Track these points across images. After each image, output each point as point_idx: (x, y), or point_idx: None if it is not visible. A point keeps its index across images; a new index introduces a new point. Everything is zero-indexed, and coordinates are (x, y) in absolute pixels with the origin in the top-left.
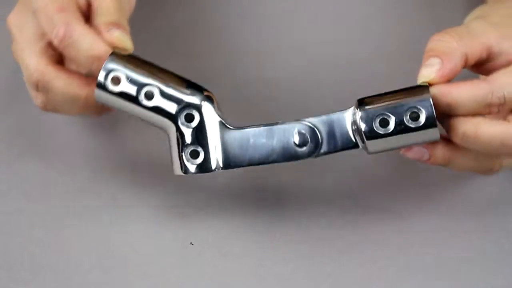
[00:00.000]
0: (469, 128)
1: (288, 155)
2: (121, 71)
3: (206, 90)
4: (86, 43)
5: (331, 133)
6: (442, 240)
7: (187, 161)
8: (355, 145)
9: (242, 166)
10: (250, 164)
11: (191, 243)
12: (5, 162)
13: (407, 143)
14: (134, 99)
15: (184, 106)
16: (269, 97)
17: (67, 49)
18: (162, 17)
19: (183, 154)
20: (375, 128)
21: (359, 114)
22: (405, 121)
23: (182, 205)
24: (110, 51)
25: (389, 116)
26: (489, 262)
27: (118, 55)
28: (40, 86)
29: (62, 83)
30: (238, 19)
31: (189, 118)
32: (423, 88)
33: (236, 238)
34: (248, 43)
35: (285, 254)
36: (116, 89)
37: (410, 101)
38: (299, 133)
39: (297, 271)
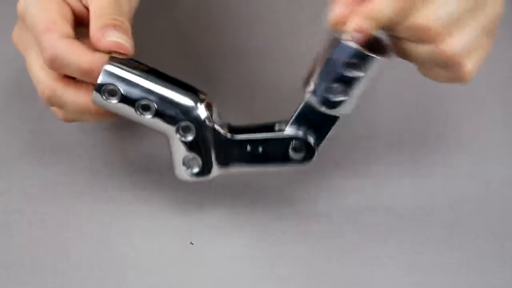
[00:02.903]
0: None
1: (283, 163)
2: (117, 82)
3: (204, 96)
4: (73, 60)
5: (311, 126)
6: (442, 239)
7: (186, 168)
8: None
9: (240, 171)
10: (248, 168)
11: (191, 242)
12: (5, 162)
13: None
14: (131, 110)
15: (181, 118)
16: (269, 96)
17: (60, 70)
18: (162, 16)
19: (181, 161)
20: (332, 100)
21: (311, 98)
22: (348, 76)
23: (182, 204)
24: (100, 61)
25: (336, 85)
26: (489, 261)
27: (114, 63)
28: (53, 102)
29: (72, 97)
30: (238, 19)
31: (186, 130)
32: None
33: (236, 238)
34: (248, 42)
35: (285, 254)
36: (113, 100)
37: (337, 59)
38: (295, 143)
39: (297, 271)
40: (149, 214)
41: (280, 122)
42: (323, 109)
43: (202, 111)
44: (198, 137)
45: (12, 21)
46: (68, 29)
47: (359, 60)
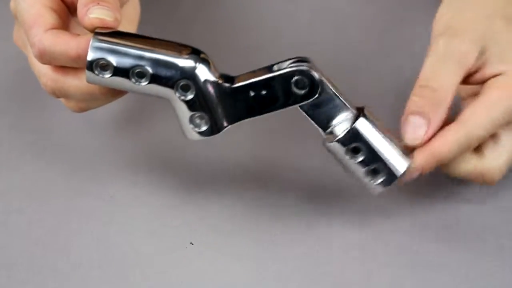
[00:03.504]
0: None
1: (288, 101)
2: (106, 55)
3: (198, 52)
4: (59, 50)
5: (318, 106)
6: (442, 239)
7: (194, 127)
8: (324, 130)
9: (248, 118)
10: (255, 115)
11: (191, 242)
12: (5, 161)
13: (357, 175)
14: (127, 81)
15: (178, 78)
16: None
17: (51, 63)
18: (161, 15)
19: (188, 122)
20: (346, 147)
21: (350, 127)
22: (370, 167)
23: (182, 204)
24: (86, 43)
25: (363, 154)
26: (489, 262)
27: (100, 37)
28: (57, 93)
29: (74, 83)
30: (238, 19)
31: (185, 89)
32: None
33: (236, 238)
34: (248, 42)
35: (285, 254)
36: (107, 75)
37: (389, 159)
38: (298, 77)
39: (297, 271)
40: (149, 214)
41: (278, 63)
42: (334, 135)
43: (198, 64)
44: (199, 94)
45: (12, 21)
46: (53, 19)
47: (387, 177)
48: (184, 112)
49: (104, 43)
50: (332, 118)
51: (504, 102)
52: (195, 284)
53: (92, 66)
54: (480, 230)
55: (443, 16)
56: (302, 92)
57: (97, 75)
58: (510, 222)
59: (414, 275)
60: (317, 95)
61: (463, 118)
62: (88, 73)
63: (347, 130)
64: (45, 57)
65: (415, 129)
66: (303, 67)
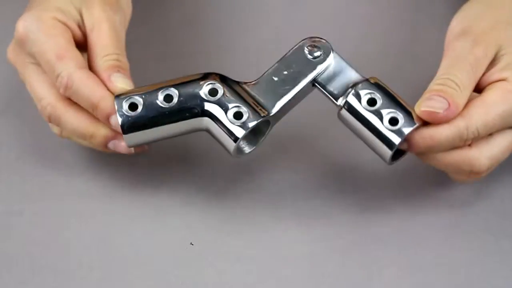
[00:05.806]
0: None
1: (309, 70)
2: (132, 98)
3: (212, 74)
4: (86, 92)
5: (330, 78)
6: (442, 240)
7: (234, 124)
8: (336, 100)
9: (282, 103)
10: (287, 97)
11: (191, 243)
12: (5, 162)
13: (367, 135)
14: (158, 111)
15: (203, 83)
16: None
17: (70, 96)
18: (159, 16)
19: (229, 122)
20: (362, 99)
21: (365, 79)
22: (389, 114)
23: (182, 205)
24: (108, 98)
25: (380, 100)
26: (489, 262)
27: (121, 94)
28: (52, 119)
29: (71, 119)
30: (237, 19)
31: (214, 92)
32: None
33: (236, 238)
34: (247, 43)
35: (285, 254)
36: (135, 113)
37: (404, 108)
38: (309, 45)
39: (297, 271)
40: (149, 214)
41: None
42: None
43: (219, 78)
44: (230, 88)
45: (12, 20)
46: (81, 58)
47: (405, 124)
48: (221, 118)
49: (126, 92)
50: (344, 87)
51: (500, 106)
52: (195, 284)
53: (125, 127)
54: (480, 230)
55: (461, 22)
56: (318, 55)
57: (132, 122)
58: (510, 223)
59: (414, 275)
60: (331, 53)
61: (462, 113)
62: (126, 137)
63: (362, 81)
64: (69, 91)
65: (437, 103)
66: (309, 37)
